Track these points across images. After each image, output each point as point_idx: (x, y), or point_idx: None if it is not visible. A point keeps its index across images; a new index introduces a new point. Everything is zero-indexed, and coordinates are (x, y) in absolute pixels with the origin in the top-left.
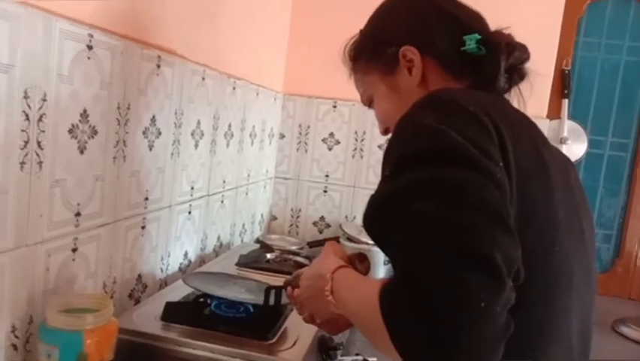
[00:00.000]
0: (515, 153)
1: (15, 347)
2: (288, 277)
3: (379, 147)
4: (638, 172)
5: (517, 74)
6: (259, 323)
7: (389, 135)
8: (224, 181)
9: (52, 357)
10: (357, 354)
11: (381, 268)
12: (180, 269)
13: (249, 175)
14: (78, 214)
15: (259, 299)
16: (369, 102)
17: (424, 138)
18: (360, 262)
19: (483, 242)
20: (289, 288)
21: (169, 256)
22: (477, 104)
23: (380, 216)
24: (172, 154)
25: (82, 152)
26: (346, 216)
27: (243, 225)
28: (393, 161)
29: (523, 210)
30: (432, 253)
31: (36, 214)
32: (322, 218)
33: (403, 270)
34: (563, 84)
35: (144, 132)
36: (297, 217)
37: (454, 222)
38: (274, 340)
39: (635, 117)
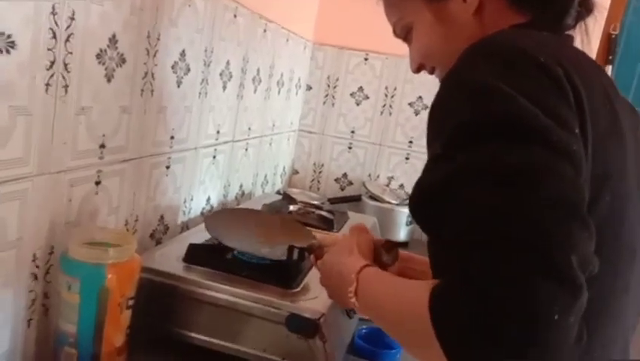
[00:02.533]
0: (591, 112)
1: (35, 276)
2: (314, 241)
3: (410, 104)
4: None
5: (584, 6)
6: (283, 271)
7: (422, 76)
8: (249, 129)
9: (72, 289)
10: None
11: (402, 228)
12: (202, 214)
13: (273, 125)
14: (103, 146)
15: (281, 254)
16: (404, 33)
17: (483, 104)
18: (386, 252)
19: (558, 245)
20: (312, 256)
21: (192, 199)
22: (547, 52)
23: (431, 205)
24: (200, 94)
25: (109, 80)
26: (369, 175)
27: (265, 176)
28: (445, 133)
29: (596, 178)
30: (498, 258)
31: (60, 141)
32: (345, 175)
33: (462, 276)
34: (608, 50)
35: (173, 67)
36: (320, 173)
37: (523, 219)
38: (298, 289)
39: None
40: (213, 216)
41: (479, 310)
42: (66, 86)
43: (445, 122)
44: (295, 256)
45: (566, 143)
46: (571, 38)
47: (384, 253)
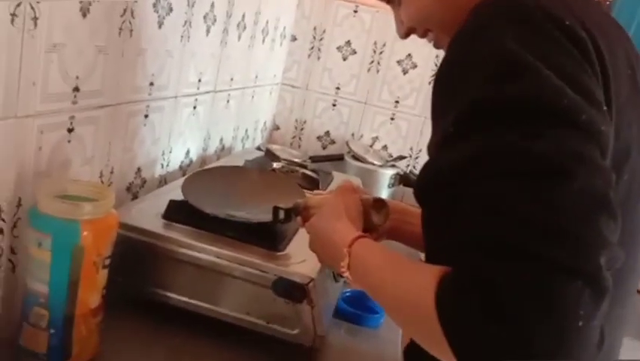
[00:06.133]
0: (615, 81)
1: (1, 230)
2: (299, 201)
3: (399, 62)
4: None
5: None
6: (270, 232)
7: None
8: (231, 79)
9: (43, 246)
10: None
11: (385, 190)
12: (181, 168)
13: (256, 77)
14: (76, 89)
15: (266, 216)
16: None
17: (503, 76)
18: (376, 212)
19: (588, 243)
20: (298, 218)
21: (170, 151)
22: (571, 13)
23: (443, 190)
24: (182, 37)
25: (84, 15)
26: (353, 134)
27: (246, 130)
28: (457, 108)
29: (617, 156)
30: (518, 257)
31: (28, 81)
32: (327, 133)
33: (476, 274)
34: None
35: (154, 5)
36: (301, 129)
37: (550, 213)
38: (285, 251)
39: None
40: (191, 179)
41: (495, 314)
42: (35, 19)
43: (458, 95)
44: (281, 217)
45: (596, 123)
46: None
47: (374, 213)
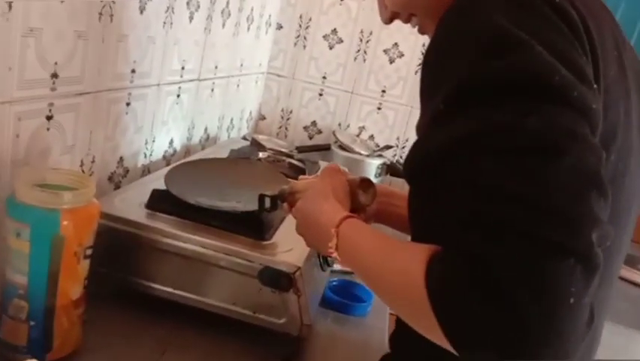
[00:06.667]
0: (603, 60)
1: None
2: (284, 187)
3: (385, 51)
4: None
5: None
6: (255, 221)
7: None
8: (216, 67)
9: (21, 236)
10: None
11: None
12: (165, 157)
13: (241, 65)
14: (55, 75)
15: (252, 205)
16: None
17: (495, 51)
18: (363, 192)
19: (580, 219)
20: (285, 204)
21: (154, 141)
22: None
23: (432, 169)
24: (164, 23)
25: None
26: (339, 124)
27: (232, 120)
28: (447, 86)
29: (605, 136)
30: (510, 234)
31: (4, 67)
32: (314, 123)
33: (467, 253)
34: None
35: None
36: (288, 119)
37: (542, 190)
38: (271, 240)
39: None
40: (173, 171)
41: (487, 293)
42: (9, 2)
43: (447, 73)
44: (267, 205)
45: (587, 101)
46: None
47: (361, 192)
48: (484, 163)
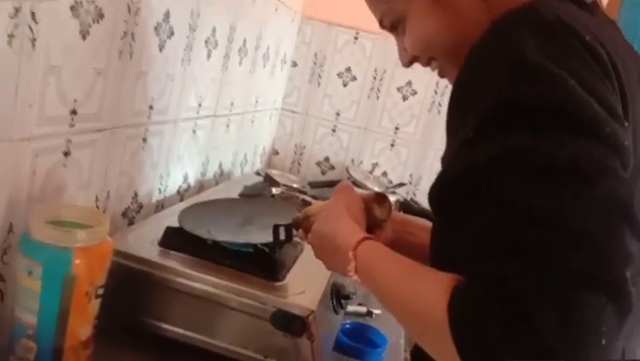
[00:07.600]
0: (631, 99)
1: None
2: (298, 214)
3: (398, 89)
4: None
5: None
6: (268, 260)
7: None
8: (232, 104)
9: (33, 275)
10: (359, 304)
11: None
12: (179, 192)
13: (256, 102)
14: (74, 112)
15: (265, 238)
16: (395, 22)
17: (528, 82)
18: (378, 206)
19: (612, 257)
20: (300, 231)
21: (168, 176)
22: (588, 29)
23: (459, 196)
24: (183, 60)
25: (84, 37)
26: (353, 160)
27: (245, 155)
28: (478, 113)
29: (632, 172)
30: (541, 268)
31: (25, 104)
32: (327, 159)
33: (493, 286)
34: None
35: (156, 28)
36: (301, 155)
37: (573, 224)
38: (285, 281)
39: None
40: (188, 209)
41: (513, 326)
42: (33, 40)
43: (478, 101)
44: (282, 235)
45: (619, 138)
46: (600, 13)
47: (376, 207)
48: (514, 185)
